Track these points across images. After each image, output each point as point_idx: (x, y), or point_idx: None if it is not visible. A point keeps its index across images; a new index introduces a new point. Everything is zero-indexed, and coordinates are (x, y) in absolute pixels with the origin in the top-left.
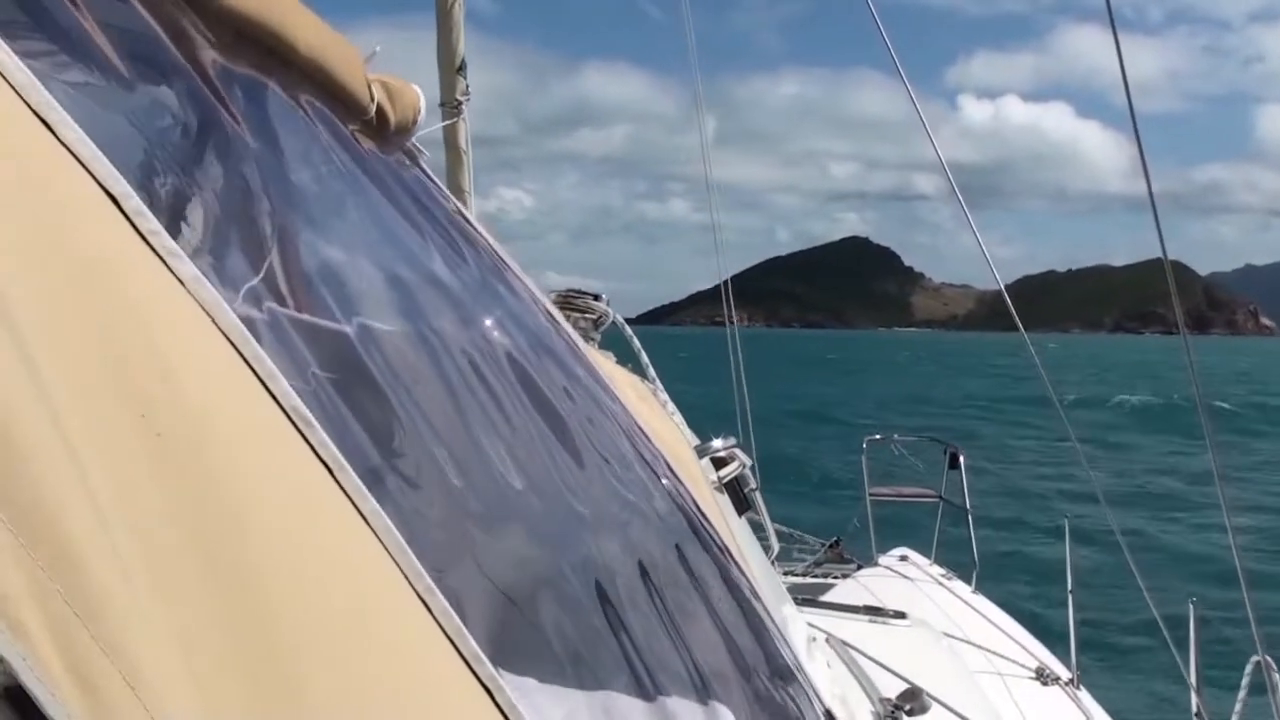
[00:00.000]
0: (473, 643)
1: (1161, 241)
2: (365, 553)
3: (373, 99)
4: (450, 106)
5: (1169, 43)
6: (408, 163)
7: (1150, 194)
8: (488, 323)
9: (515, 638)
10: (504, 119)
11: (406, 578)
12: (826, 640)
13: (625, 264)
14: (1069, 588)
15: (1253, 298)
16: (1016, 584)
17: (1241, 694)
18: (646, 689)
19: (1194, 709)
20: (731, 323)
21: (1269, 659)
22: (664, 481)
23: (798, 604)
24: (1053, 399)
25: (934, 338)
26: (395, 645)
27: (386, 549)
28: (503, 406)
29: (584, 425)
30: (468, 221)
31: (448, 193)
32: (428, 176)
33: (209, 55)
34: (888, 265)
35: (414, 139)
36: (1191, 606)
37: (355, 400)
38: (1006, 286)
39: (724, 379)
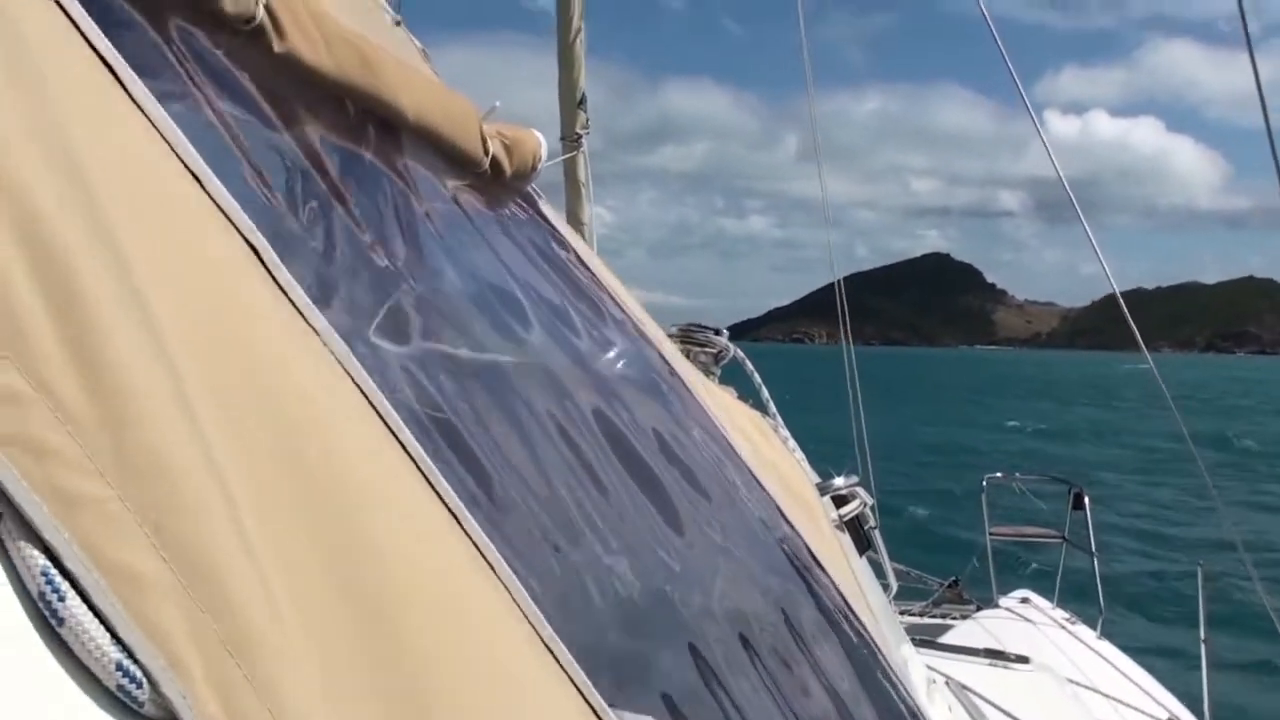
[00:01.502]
0: (598, 695)
1: None
2: (492, 598)
3: (487, 151)
4: (571, 140)
5: (1267, 56)
6: (526, 208)
7: None
8: (599, 367)
9: (624, 693)
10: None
11: (532, 625)
12: (946, 683)
13: (703, 280)
14: (1202, 636)
15: None
16: (1145, 630)
17: None
18: None
19: None
20: (848, 342)
21: None
22: (776, 526)
23: (915, 645)
24: (1186, 439)
25: (1018, 355)
26: (525, 694)
27: (511, 595)
28: (612, 455)
29: (693, 471)
30: (583, 263)
31: (565, 234)
32: (544, 220)
33: (320, 118)
34: (969, 282)
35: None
36: None
37: (474, 447)
38: (1093, 304)
39: (813, 400)
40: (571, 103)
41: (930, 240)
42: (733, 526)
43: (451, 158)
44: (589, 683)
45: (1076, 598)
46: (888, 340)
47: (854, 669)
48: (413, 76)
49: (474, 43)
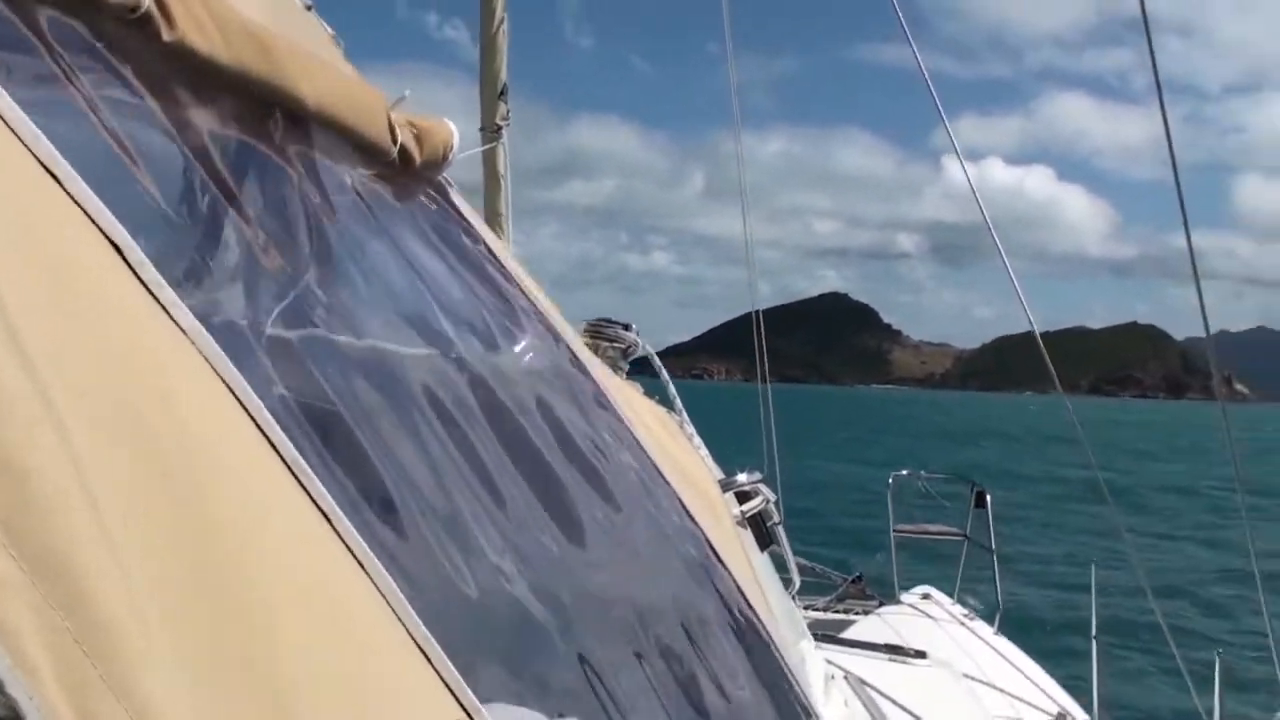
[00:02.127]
0: (470, 694)
1: (1205, 317)
2: (363, 597)
3: (396, 141)
4: (490, 131)
5: (1153, 111)
6: (436, 198)
7: (1193, 263)
8: (502, 360)
9: (508, 687)
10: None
11: (404, 625)
12: (845, 678)
13: (604, 315)
14: (1093, 633)
15: (1226, 364)
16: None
17: None
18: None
19: None
20: (764, 377)
21: None
22: (676, 521)
23: (818, 640)
24: (1099, 480)
25: (915, 395)
26: (394, 692)
27: (383, 595)
28: (506, 450)
29: (594, 466)
30: (493, 255)
31: (476, 227)
32: (455, 211)
33: (215, 109)
34: (866, 322)
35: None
36: (1218, 658)
37: (357, 445)
38: (984, 346)
39: (715, 435)
40: (492, 93)
41: (829, 280)
42: (631, 522)
43: (358, 147)
44: (461, 681)
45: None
46: (785, 378)
47: (747, 664)
48: (315, 65)
49: (381, 73)
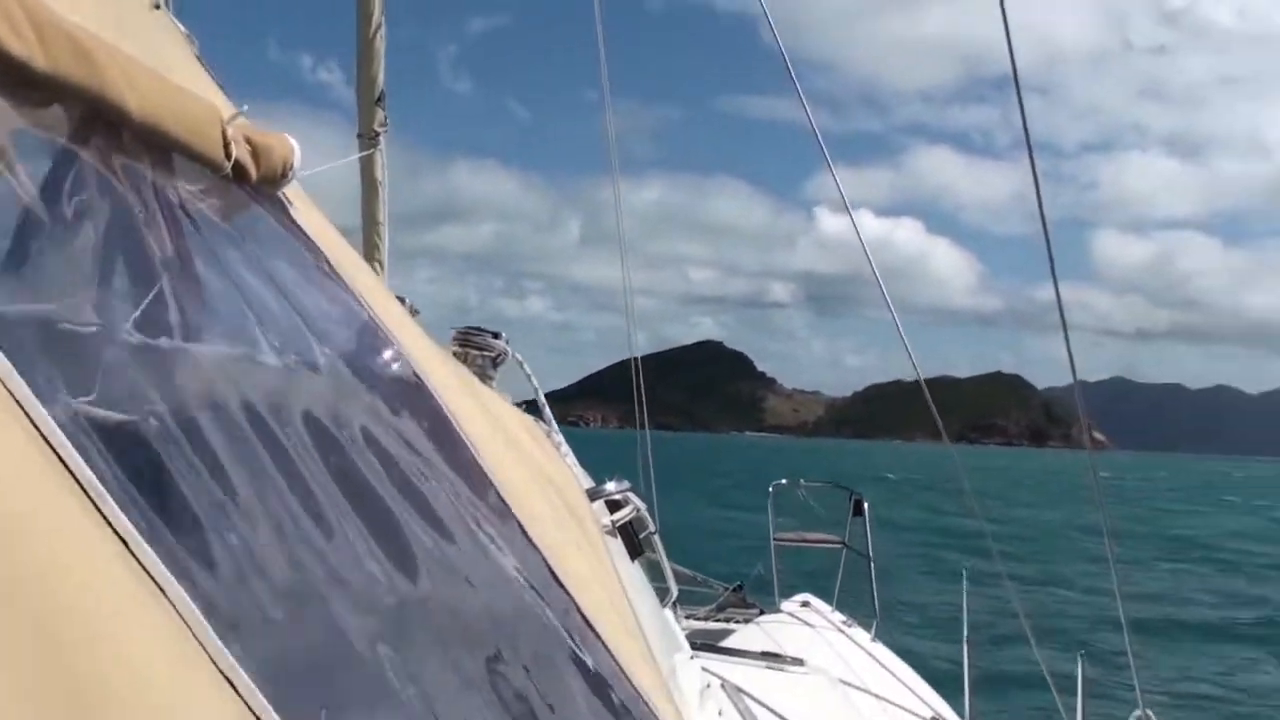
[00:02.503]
0: (264, 700)
1: (1073, 365)
2: (163, 625)
3: (229, 155)
4: (368, 138)
5: (1015, 167)
6: (272, 214)
7: (1062, 315)
8: (330, 375)
9: (308, 704)
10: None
11: (207, 652)
12: (722, 686)
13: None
14: (964, 636)
15: (1087, 412)
16: (917, 632)
17: None
18: None
19: None
20: (643, 422)
21: (1149, 713)
22: (519, 535)
23: (696, 649)
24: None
25: (788, 443)
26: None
27: (185, 622)
28: (322, 466)
29: (424, 481)
30: (333, 270)
31: (319, 241)
32: (294, 226)
33: (30, 117)
34: (741, 370)
35: (287, 187)
36: (1080, 659)
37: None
38: (855, 395)
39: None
40: (370, 99)
41: (705, 328)
42: (464, 541)
43: (189, 160)
44: (269, 708)
45: (855, 601)
46: (661, 425)
47: (586, 695)
48: (141, 73)
49: (254, 114)
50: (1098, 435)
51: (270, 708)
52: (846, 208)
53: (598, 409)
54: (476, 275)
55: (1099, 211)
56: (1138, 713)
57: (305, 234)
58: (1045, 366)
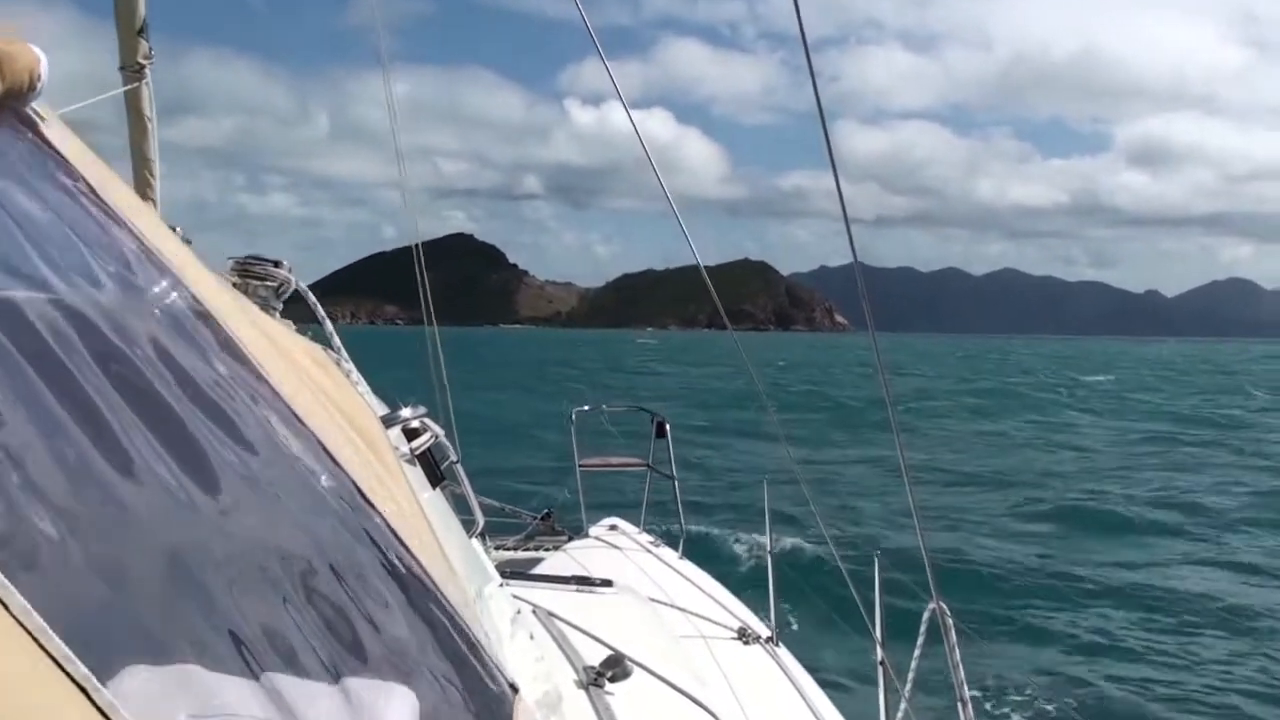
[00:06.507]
0: (60, 642)
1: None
2: None
3: None
4: (132, 70)
5: (761, 59)
6: (22, 132)
7: (844, 209)
8: (100, 304)
9: (114, 634)
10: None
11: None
12: (533, 612)
13: (222, 260)
14: (768, 548)
15: (827, 296)
16: (724, 547)
17: (920, 640)
18: (257, 669)
19: (878, 658)
20: (427, 300)
21: (943, 605)
22: (316, 465)
23: (506, 577)
24: (762, 396)
25: (547, 334)
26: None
27: None
28: (113, 394)
29: (216, 411)
30: (94, 193)
31: (77, 164)
32: (48, 146)
33: None
34: (492, 263)
35: (33, 105)
36: (876, 560)
37: None
38: (608, 284)
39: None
40: (131, 29)
41: (456, 221)
42: (262, 468)
43: None
44: (52, 634)
45: (661, 521)
46: (413, 320)
47: (404, 606)
48: None
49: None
50: (839, 318)
51: (69, 651)
52: (620, 97)
53: (347, 304)
54: (212, 171)
55: (839, 103)
56: (931, 605)
57: (62, 156)
58: (787, 252)
